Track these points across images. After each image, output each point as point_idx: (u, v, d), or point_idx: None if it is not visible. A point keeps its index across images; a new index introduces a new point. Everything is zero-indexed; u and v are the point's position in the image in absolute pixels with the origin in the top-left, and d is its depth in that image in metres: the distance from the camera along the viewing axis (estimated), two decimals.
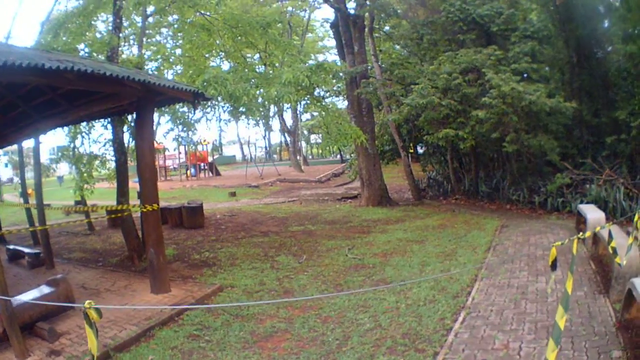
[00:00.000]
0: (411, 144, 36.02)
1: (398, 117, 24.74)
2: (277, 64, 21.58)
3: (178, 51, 21.24)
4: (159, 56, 18.50)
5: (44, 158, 47.37)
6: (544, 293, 9.72)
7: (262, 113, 36.46)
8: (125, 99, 11.52)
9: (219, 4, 18.97)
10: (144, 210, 11.54)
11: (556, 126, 21.06)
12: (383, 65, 28.89)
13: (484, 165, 27.99)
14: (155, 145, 17.69)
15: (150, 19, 20.39)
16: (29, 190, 22.21)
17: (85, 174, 16.40)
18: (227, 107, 19.49)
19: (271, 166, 59.35)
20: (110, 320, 9.51)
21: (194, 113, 19.91)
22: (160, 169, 53.80)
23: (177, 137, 20.27)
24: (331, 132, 20.54)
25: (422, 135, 29.37)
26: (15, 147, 21.55)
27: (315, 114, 53.88)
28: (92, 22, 18.00)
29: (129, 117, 15.89)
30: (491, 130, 20.81)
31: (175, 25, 20.90)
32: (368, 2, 26.57)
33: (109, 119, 16.16)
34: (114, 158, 16.78)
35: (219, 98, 15.20)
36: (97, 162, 17.67)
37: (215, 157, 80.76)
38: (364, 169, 26.93)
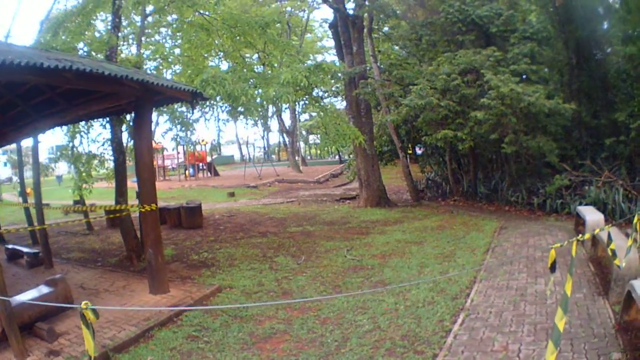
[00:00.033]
0: (410, 145, 36.11)
1: (397, 117, 24.75)
2: (275, 64, 21.54)
3: (177, 51, 21.24)
4: (157, 56, 18.48)
5: (43, 157, 47.38)
6: (543, 295, 9.71)
7: (261, 113, 36.49)
8: (124, 98, 11.50)
9: (217, 4, 18.93)
10: (143, 210, 11.51)
11: (555, 127, 21.06)
12: (382, 66, 28.98)
13: (483, 167, 28.01)
14: (154, 145, 17.69)
15: (150, 19, 20.36)
16: (28, 190, 22.22)
17: (84, 174, 16.35)
18: (226, 107, 19.50)
19: (270, 166, 59.39)
20: (109, 320, 9.50)
21: (193, 113, 19.84)
22: (159, 169, 53.88)
23: (175, 136, 20.23)
24: (330, 132, 20.57)
25: (421, 136, 29.43)
26: (14, 146, 21.53)
27: (314, 114, 54.06)
28: (92, 22, 17.97)
29: (128, 117, 15.88)
30: (490, 132, 20.82)
31: (174, 25, 20.88)
32: (367, 3, 26.60)
33: (108, 119, 16.14)
34: (112, 158, 16.77)
35: (218, 98, 15.20)
36: (95, 162, 17.63)
37: (214, 157, 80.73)
38: (362, 169, 26.93)
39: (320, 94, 33.19)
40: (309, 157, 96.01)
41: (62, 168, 58.46)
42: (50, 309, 8.79)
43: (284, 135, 70.33)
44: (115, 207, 15.16)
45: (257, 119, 54.74)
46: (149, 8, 18.95)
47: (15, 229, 19.93)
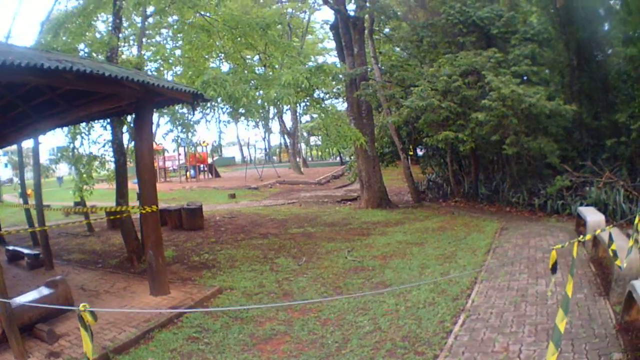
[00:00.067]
0: (411, 146, 36.08)
1: (398, 119, 24.76)
2: (276, 66, 21.53)
3: (178, 52, 21.23)
4: (158, 57, 18.47)
5: (44, 158, 47.44)
6: (543, 295, 9.71)
7: (262, 115, 36.55)
8: (124, 99, 11.50)
9: (218, 5, 18.94)
10: (143, 211, 11.51)
11: (556, 129, 21.03)
12: (383, 67, 28.95)
13: (484, 168, 28.01)
14: (155, 146, 17.68)
15: (150, 20, 20.37)
16: (29, 191, 22.20)
17: (84, 175, 16.38)
18: (227, 109, 19.47)
19: (271, 168, 59.34)
20: (109, 322, 9.49)
21: (193, 114, 19.82)
22: (160, 171, 53.84)
23: (176, 138, 20.21)
24: (331, 134, 20.57)
25: (422, 138, 29.45)
26: (14, 147, 21.53)
27: (315, 115, 54.03)
28: (92, 22, 17.98)
29: (129, 118, 15.89)
30: (491, 133, 20.81)
31: (175, 26, 20.88)
32: (368, 4, 26.60)
33: (109, 120, 16.14)
34: (113, 159, 16.77)
35: (219, 99, 15.18)
36: (96, 163, 17.64)
37: (215, 158, 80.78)
38: (363, 171, 26.92)
39: (322, 95, 33.21)
40: (310, 159, 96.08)
41: (63, 169, 58.36)
42: (50, 310, 8.79)
43: (285, 136, 70.33)
44: (116, 209, 15.16)
45: (258, 120, 54.88)
46: (150, 9, 18.96)
47: (15, 230, 19.90)
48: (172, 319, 9.74)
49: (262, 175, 51.75)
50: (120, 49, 18.00)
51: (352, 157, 40.18)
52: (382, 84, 26.75)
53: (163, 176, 55.68)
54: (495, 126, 20.48)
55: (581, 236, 6.96)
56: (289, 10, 50.12)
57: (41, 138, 16.42)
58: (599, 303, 9.06)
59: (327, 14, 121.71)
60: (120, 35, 17.30)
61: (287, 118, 66.53)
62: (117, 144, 16.00)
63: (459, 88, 21.36)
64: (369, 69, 27.43)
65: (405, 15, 30.03)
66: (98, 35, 18.64)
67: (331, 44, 53.47)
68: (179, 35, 20.99)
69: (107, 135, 17.12)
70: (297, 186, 44.69)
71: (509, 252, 14.22)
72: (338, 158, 74.25)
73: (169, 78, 19.08)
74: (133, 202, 16.82)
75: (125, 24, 19.12)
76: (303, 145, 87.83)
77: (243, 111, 18.20)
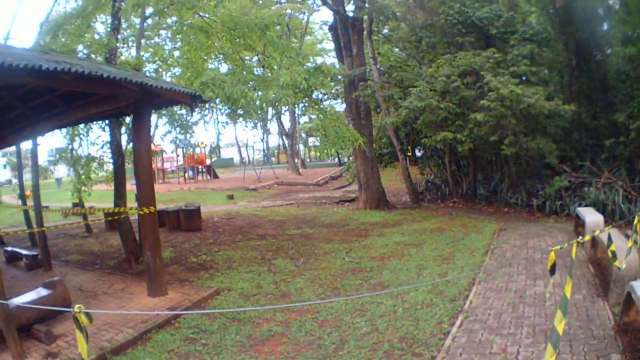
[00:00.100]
0: (409, 147, 36.15)
1: (396, 120, 24.75)
2: (275, 67, 21.53)
3: (176, 53, 21.22)
4: (157, 58, 18.46)
5: (42, 160, 47.33)
6: (542, 297, 9.69)
7: (260, 116, 36.54)
8: (123, 100, 11.50)
9: (217, 6, 18.93)
10: (141, 212, 11.51)
11: (555, 129, 21.03)
12: (381, 68, 29.04)
13: (482, 168, 28.00)
14: (153, 147, 17.68)
15: (149, 21, 20.36)
16: (27, 192, 22.22)
17: (83, 176, 16.37)
18: (225, 110, 19.49)
19: (269, 169, 59.55)
20: (107, 323, 9.49)
21: (192, 115, 19.81)
22: (158, 172, 53.97)
23: (174, 139, 20.20)
24: (329, 135, 20.56)
25: (420, 138, 29.50)
26: (13, 148, 21.54)
27: (314, 116, 54.07)
28: (91, 24, 17.97)
29: (127, 119, 15.89)
30: (489, 133, 20.81)
31: (174, 27, 20.86)
32: (367, 5, 26.62)
33: (107, 121, 16.14)
34: (111, 160, 16.77)
35: (217, 100, 15.19)
36: (94, 165, 17.62)
37: (213, 159, 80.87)
38: (361, 172, 26.95)
39: (320, 96, 33.34)
40: (308, 160, 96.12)
41: (62, 171, 58.41)
42: (48, 311, 8.79)
43: (284, 137, 70.36)
44: (114, 210, 15.16)
45: (256, 121, 54.85)
46: (149, 10, 18.95)
47: (13, 231, 19.91)
48: (170, 320, 9.73)
49: (261, 177, 51.84)
50: (119, 50, 18.00)
51: (350, 158, 40.35)
52: (380, 84, 26.78)
53: (161, 177, 55.78)
54: (493, 126, 20.48)
55: (580, 237, 6.96)
56: (288, 11, 50.20)
57: (40, 139, 16.45)
58: (598, 304, 9.04)
59: (326, 15, 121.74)
60: (119, 36, 17.30)
61: (286, 119, 66.78)
62: (115, 145, 16.00)
63: (457, 88, 21.36)
64: (367, 70, 27.47)
65: (404, 15, 30.04)
66: (97, 37, 18.61)
67: (330, 45, 53.56)
68: (177, 36, 20.99)
69: (106, 136, 17.14)
70: (295, 187, 44.82)
71: (507, 253, 14.20)
72: (336, 159, 74.38)
73: (168, 79, 19.08)
74: (131, 203, 16.87)
75: (124, 25, 19.06)
76: (301, 146, 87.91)
77: (241, 112, 18.21)
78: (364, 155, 26.42)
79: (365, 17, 27.17)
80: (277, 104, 16.31)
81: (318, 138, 60.59)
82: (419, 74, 24.30)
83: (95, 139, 17.85)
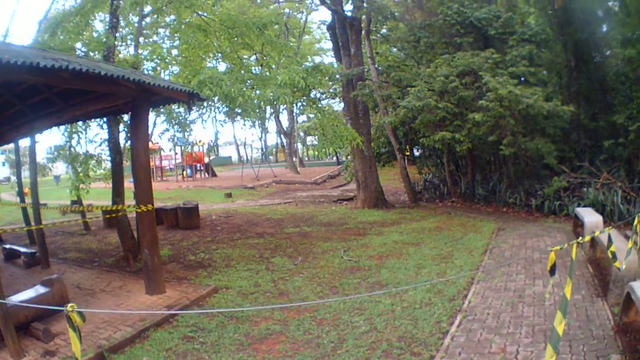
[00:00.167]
0: (407, 147, 36.19)
1: (394, 119, 24.71)
2: (273, 66, 21.51)
3: (174, 52, 21.21)
4: (155, 56, 18.44)
5: (41, 157, 47.46)
6: (541, 296, 9.68)
7: (258, 114, 36.58)
8: (121, 98, 11.51)
9: (215, 5, 18.95)
10: (139, 210, 11.50)
11: (553, 130, 21.01)
12: (380, 68, 29.00)
13: (481, 168, 28.00)
14: (151, 145, 17.68)
15: (148, 19, 20.35)
16: (26, 190, 22.21)
17: (81, 174, 16.34)
18: (223, 108, 19.51)
19: (267, 167, 59.43)
20: (105, 321, 9.47)
21: (189, 113, 19.82)
22: (157, 170, 53.94)
23: (172, 137, 20.22)
24: (327, 134, 20.58)
25: (419, 138, 29.42)
26: (12, 145, 21.52)
27: (312, 115, 54.09)
28: (90, 22, 17.94)
29: (125, 117, 15.88)
30: (488, 133, 20.79)
31: (172, 26, 20.84)
32: (365, 5, 26.59)
33: (105, 119, 16.13)
34: (109, 158, 16.76)
35: (215, 99, 15.20)
36: (93, 162, 17.60)
37: (212, 158, 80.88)
38: (359, 171, 26.95)
39: (318, 95, 33.29)
40: (306, 159, 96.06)
41: (60, 168, 58.48)
42: (46, 309, 8.77)
43: (282, 136, 70.39)
44: (112, 208, 15.15)
45: (254, 120, 54.80)
46: (147, 8, 18.93)
47: (11, 228, 19.91)
48: (168, 318, 9.71)
49: (259, 175, 51.75)
50: (117, 48, 18.00)
51: (348, 157, 40.35)
52: (378, 84, 26.74)
53: (160, 175, 55.73)
54: (492, 127, 20.47)
55: (580, 238, 6.95)
56: (286, 10, 50.10)
57: (38, 137, 16.46)
58: (597, 304, 9.04)
59: (324, 15, 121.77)
60: (117, 34, 17.27)
61: (284, 118, 66.75)
62: (113, 143, 15.98)
63: (456, 88, 21.35)
64: (365, 69, 27.50)
65: (403, 15, 30.06)
66: (95, 35, 18.59)
67: (328, 44, 53.42)
68: (175, 34, 20.96)
69: (104, 134, 17.14)
70: (293, 186, 44.77)
71: (505, 252, 14.19)
72: (334, 158, 74.17)
73: (166, 78, 19.07)
74: (129, 201, 16.85)
75: (122, 24, 19.03)
76: (299, 145, 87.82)
77: (239, 111, 18.21)
78: (362, 155, 26.43)
79: (364, 16, 27.11)
80: (275, 102, 16.32)
81: (316, 137, 60.66)
82: (417, 73, 24.28)
83: (93, 136, 17.86)
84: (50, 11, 21.41)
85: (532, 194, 22.70)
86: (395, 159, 31.18)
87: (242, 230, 20.67)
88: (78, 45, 17.19)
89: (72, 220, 23.36)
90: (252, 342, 8.61)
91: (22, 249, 15.93)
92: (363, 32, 27.74)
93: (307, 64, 26.69)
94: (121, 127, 16.47)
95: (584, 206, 18.11)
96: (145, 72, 17.12)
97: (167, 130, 19.87)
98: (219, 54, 23.11)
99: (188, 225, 21.10)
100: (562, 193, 21.00)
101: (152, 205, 11.70)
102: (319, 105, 24.48)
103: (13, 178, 59.04)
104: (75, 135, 17.30)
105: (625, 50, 20.34)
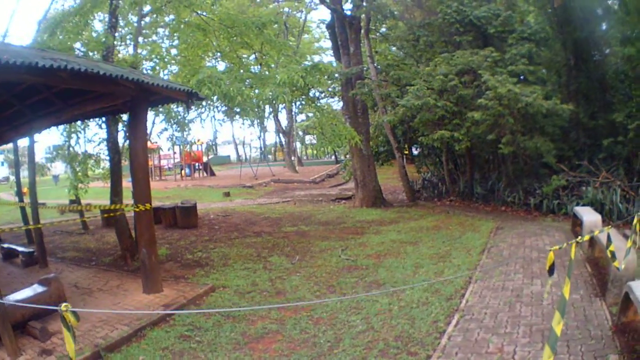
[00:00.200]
0: (406, 145, 36.17)
1: (393, 118, 24.72)
2: (272, 65, 21.50)
3: (174, 51, 21.22)
4: (154, 56, 18.44)
5: (40, 157, 47.46)
6: (539, 296, 9.68)
7: (257, 113, 36.59)
8: (119, 98, 11.51)
9: (214, 4, 18.94)
10: (137, 210, 11.51)
11: (552, 128, 21.01)
12: (379, 67, 29.00)
13: (479, 167, 28.03)
14: (150, 145, 17.68)
15: (147, 19, 20.34)
16: (24, 189, 22.21)
17: (79, 173, 16.34)
18: (222, 107, 19.50)
19: (266, 167, 59.53)
20: (101, 319, 9.47)
21: (188, 113, 19.83)
22: (155, 169, 53.99)
23: (171, 136, 20.21)
24: (326, 133, 20.55)
25: (417, 137, 29.42)
26: (10, 145, 21.53)
27: (310, 114, 54.17)
28: (89, 22, 17.92)
29: (124, 117, 15.88)
30: (487, 132, 20.80)
31: (171, 25, 20.84)
32: (364, 4, 26.59)
33: (104, 118, 16.13)
34: (108, 157, 16.75)
35: (214, 98, 15.19)
36: (91, 162, 17.60)
37: (210, 157, 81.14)
38: (358, 170, 26.97)
39: (317, 94, 33.29)
40: (305, 158, 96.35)
41: (59, 168, 58.47)
42: (43, 308, 8.77)
43: (281, 135, 70.52)
44: (110, 207, 15.15)
45: (253, 119, 54.87)
46: (146, 8, 18.92)
47: (10, 228, 19.90)
48: (164, 316, 9.71)
49: (257, 174, 51.88)
50: (117, 48, 18.00)
51: (347, 156, 40.34)
52: (377, 83, 26.76)
53: (158, 175, 55.79)
54: (491, 125, 20.47)
55: (580, 237, 6.93)
56: (286, 9, 50.12)
57: (37, 136, 16.48)
58: (595, 304, 9.03)
59: (323, 13, 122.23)
60: (117, 34, 17.28)
61: (283, 117, 66.94)
62: (112, 142, 15.98)
63: (455, 87, 21.35)
64: (364, 68, 27.50)
65: (402, 14, 30.01)
66: (94, 35, 18.60)
67: (327, 43, 53.69)
68: (175, 34, 20.96)
69: (103, 133, 17.14)
70: (291, 185, 44.89)
71: (504, 251, 14.19)
72: (333, 157, 74.30)
73: (165, 77, 19.07)
74: (128, 200, 16.86)
75: (121, 23, 19.02)
76: (298, 144, 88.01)
77: (238, 110, 18.21)
78: (360, 153, 26.44)
79: (363, 15, 27.09)
80: (274, 101, 16.31)
81: (315, 136, 60.73)
82: (417, 72, 24.27)
83: (92, 136, 17.86)
84: (50, 11, 21.38)
85: (530, 192, 22.72)
86: (394, 158, 31.20)
87: (240, 229, 20.66)
88: (77, 45, 17.20)
89: (70, 219, 23.40)
90: (248, 341, 8.60)
91: (20, 248, 15.94)
92: (362, 30, 27.75)
93: (306, 63, 26.76)
94: (120, 126, 16.46)
95: (583, 205, 18.12)
96: (144, 71, 17.12)
97: (166, 129, 19.89)
98: (218, 53, 23.13)
99: (186, 225, 21.09)
100: (561, 192, 21.01)
101: (150, 204, 11.69)
102: (318, 104, 24.46)
103: (12, 178, 59.06)
104: (74, 135, 17.32)
105: (624, 48, 20.34)
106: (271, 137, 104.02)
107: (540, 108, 19.13)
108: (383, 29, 35.34)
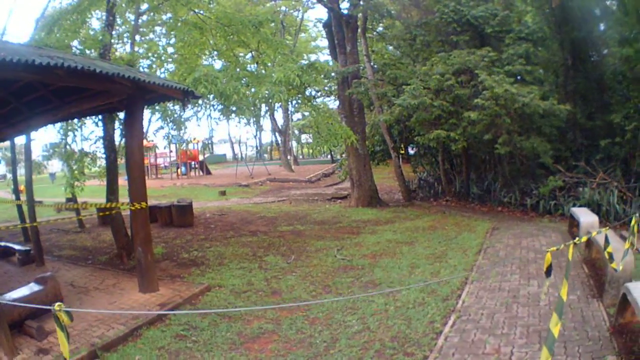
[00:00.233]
0: (402, 145, 36.26)
1: (389, 117, 24.75)
2: (269, 63, 21.47)
3: (170, 49, 21.18)
4: (150, 54, 18.43)
5: (36, 155, 47.49)
6: (535, 297, 9.66)
7: (253, 112, 36.60)
8: (116, 96, 11.49)
9: (211, 3, 18.93)
10: (133, 208, 11.48)
11: (550, 129, 21.02)
12: (375, 66, 28.99)
13: (476, 167, 28.04)
14: (146, 143, 17.66)
15: (144, 17, 20.31)
16: (21, 187, 22.18)
17: (76, 171, 16.31)
18: (218, 106, 19.46)
19: (261, 165, 59.52)
20: (97, 319, 9.44)
21: (184, 111, 19.80)
22: (151, 167, 53.99)
23: (167, 135, 20.21)
24: (322, 132, 20.53)
25: (413, 136, 29.54)
26: (7, 143, 21.51)
27: (307, 113, 54.15)
28: (86, 20, 17.90)
29: (120, 115, 15.86)
30: (483, 132, 20.81)
31: (168, 24, 20.82)
32: (361, 3, 26.55)
33: (100, 116, 16.11)
34: (104, 155, 16.74)
35: (210, 96, 15.17)
36: (87, 160, 17.59)
37: (206, 155, 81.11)
38: (354, 169, 26.96)
39: (313, 93, 33.25)
40: (301, 157, 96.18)
41: (56, 166, 58.49)
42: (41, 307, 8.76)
43: (277, 134, 70.66)
44: (106, 205, 15.13)
45: (249, 118, 54.89)
46: (143, 6, 18.90)
47: (6, 226, 19.89)
48: (161, 316, 9.68)
49: (253, 173, 51.95)
50: (114, 46, 17.99)
51: (343, 155, 40.38)
52: (374, 82, 26.80)
53: (154, 173, 55.82)
54: (487, 125, 20.47)
55: (577, 238, 6.92)
56: (283, 8, 50.18)
57: (34, 134, 16.41)
58: (592, 305, 9.02)
59: (320, 12, 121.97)
60: (114, 32, 17.28)
61: (279, 116, 66.79)
62: (108, 140, 15.97)
63: (451, 87, 21.35)
64: (361, 67, 27.47)
65: (399, 13, 30.00)
66: (91, 33, 18.58)
67: (324, 42, 53.54)
68: (171, 32, 20.94)
69: (99, 131, 17.12)
70: (287, 184, 44.87)
71: (500, 252, 14.20)
72: (329, 156, 74.27)
73: (162, 75, 19.04)
74: (124, 198, 16.83)
75: (118, 21, 19.03)
76: (294, 143, 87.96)
77: (234, 109, 18.19)
78: (356, 153, 26.43)
79: (360, 14, 27.08)
80: (270, 100, 16.30)
81: (311, 135, 60.71)
82: (413, 72, 24.25)
83: (88, 134, 17.85)
84: (48, 9, 21.36)
85: (527, 193, 22.74)
86: (390, 158, 31.25)
87: (235, 228, 20.65)
88: (74, 43, 17.18)
89: (66, 217, 23.37)
90: (244, 341, 8.59)
91: (17, 247, 15.88)
92: (359, 30, 27.78)
93: (302, 61, 26.72)
94: (116, 124, 16.44)
95: (580, 206, 18.16)
96: (141, 69, 17.11)
97: (162, 127, 19.90)
98: (215, 52, 23.08)
99: (182, 223, 21.08)
100: (558, 192, 21.03)
101: (146, 203, 11.67)
102: (314, 103, 24.43)
103: (9, 175, 59.04)
104: (70, 133, 17.30)
105: (622, 49, 20.37)
106: (267, 136, 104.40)
107: (537, 108, 19.14)
108: (380, 28, 35.38)
